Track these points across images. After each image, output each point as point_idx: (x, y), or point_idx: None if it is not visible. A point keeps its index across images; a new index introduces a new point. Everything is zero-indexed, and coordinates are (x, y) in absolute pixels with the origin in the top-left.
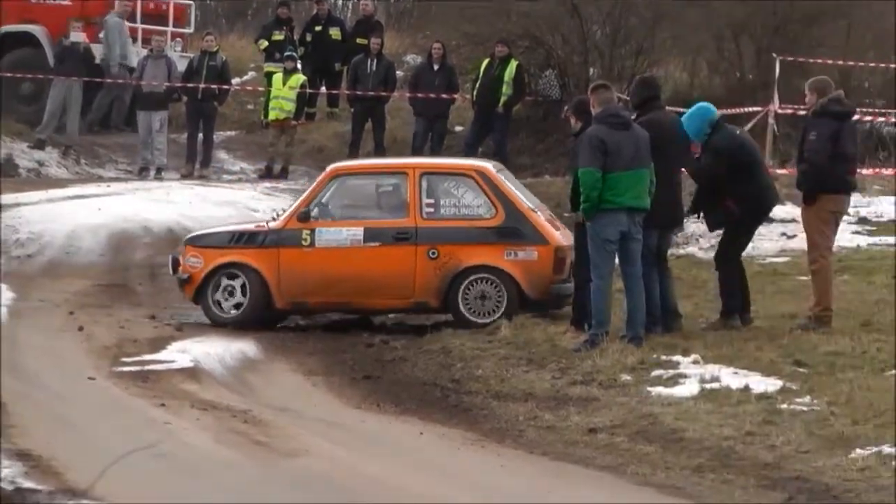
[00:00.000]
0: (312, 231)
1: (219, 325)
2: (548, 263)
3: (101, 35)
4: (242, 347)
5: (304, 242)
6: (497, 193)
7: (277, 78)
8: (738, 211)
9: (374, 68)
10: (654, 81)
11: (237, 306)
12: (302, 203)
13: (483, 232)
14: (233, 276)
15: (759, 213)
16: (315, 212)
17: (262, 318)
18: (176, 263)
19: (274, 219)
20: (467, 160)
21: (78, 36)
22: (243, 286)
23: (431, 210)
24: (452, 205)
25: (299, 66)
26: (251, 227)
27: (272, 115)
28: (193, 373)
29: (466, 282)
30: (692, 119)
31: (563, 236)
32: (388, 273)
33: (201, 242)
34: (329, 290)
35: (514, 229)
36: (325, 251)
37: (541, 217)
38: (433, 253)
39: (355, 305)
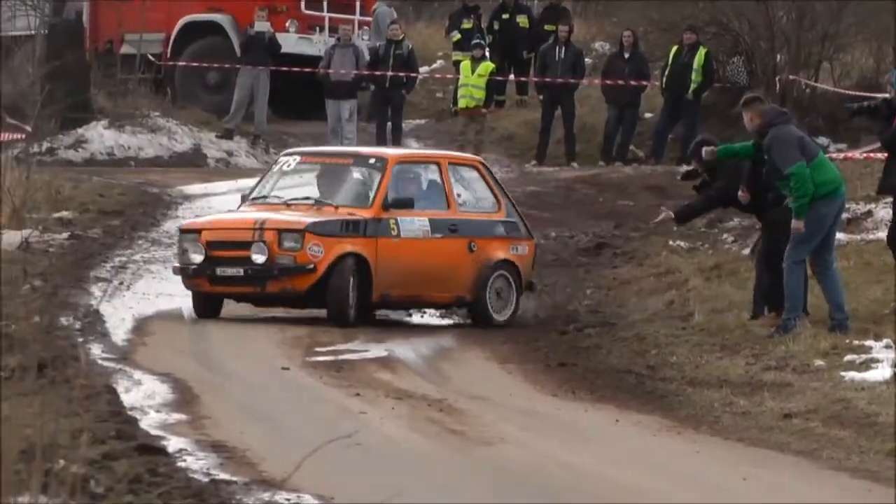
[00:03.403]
0: (396, 220)
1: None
2: (531, 259)
3: (373, 22)
4: (435, 336)
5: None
6: (498, 187)
7: (466, 66)
8: None
9: (562, 55)
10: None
11: None
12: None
13: (495, 225)
14: None
15: None
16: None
17: None
18: None
19: None
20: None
21: (263, 25)
22: None
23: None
24: (472, 197)
25: (487, 53)
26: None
27: (462, 103)
28: (387, 362)
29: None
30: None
31: None
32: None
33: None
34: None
35: (513, 223)
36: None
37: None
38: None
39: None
